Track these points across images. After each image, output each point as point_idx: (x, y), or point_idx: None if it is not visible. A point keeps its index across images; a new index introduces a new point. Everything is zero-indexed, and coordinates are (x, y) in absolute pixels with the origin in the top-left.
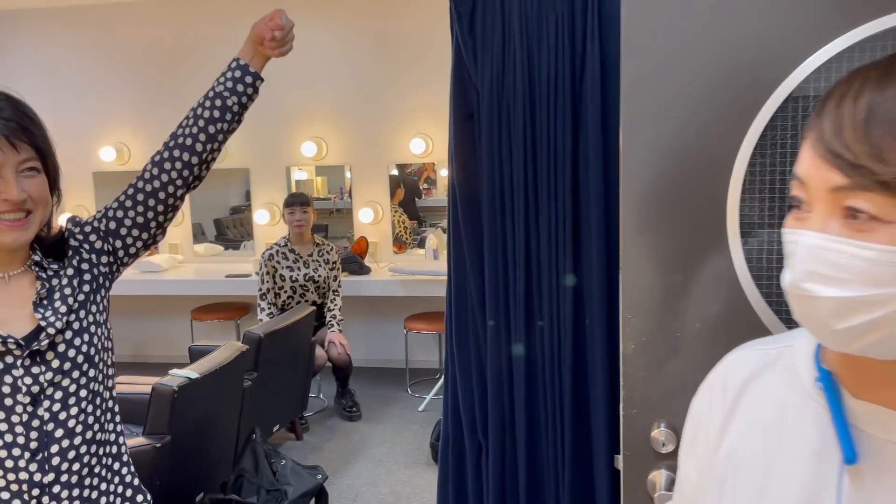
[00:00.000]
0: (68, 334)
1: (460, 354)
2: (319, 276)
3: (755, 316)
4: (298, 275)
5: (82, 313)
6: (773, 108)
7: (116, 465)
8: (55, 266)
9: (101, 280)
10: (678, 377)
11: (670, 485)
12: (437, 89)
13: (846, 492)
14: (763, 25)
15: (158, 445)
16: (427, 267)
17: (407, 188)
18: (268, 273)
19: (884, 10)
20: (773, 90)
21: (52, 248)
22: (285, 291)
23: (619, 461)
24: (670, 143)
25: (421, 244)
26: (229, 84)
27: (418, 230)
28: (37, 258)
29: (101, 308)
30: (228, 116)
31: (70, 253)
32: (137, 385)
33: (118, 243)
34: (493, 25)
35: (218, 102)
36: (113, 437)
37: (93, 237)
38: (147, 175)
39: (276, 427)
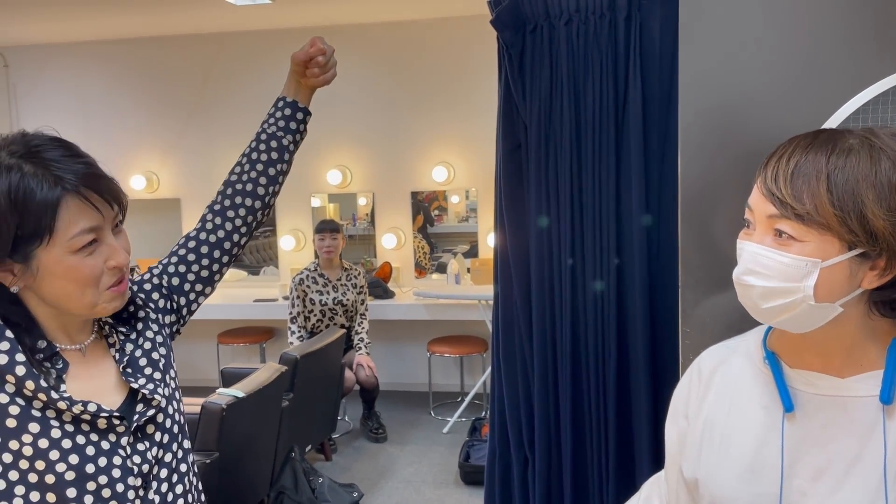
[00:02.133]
0: (163, 402)
1: (507, 373)
2: (348, 299)
3: None
4: (328, 298)
5: (167, 378)
6: None
7: None
8: (123, 329)
9: (168, 341)
10: None
11: None
12: (459, 118)
13: (786, 432)
14: (810, 65)
15: (208, 461)
16: (450, 291)
17: (425, 215)
18: (298, 297)
19: None
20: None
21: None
22: (315, 315)
23: None
24: (725, 170)
25: (438, 269)
26: (281, 123)
27: (434, 255)
28: (106, 322)
29: (175, 372)
30: (286, 156)
31: (139, 313)
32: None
33: (182, 300)
34: (541, 65)
35: (273, 143)
36: None
37: (155, 295)
38: (209, 226)
39: (308, 448)
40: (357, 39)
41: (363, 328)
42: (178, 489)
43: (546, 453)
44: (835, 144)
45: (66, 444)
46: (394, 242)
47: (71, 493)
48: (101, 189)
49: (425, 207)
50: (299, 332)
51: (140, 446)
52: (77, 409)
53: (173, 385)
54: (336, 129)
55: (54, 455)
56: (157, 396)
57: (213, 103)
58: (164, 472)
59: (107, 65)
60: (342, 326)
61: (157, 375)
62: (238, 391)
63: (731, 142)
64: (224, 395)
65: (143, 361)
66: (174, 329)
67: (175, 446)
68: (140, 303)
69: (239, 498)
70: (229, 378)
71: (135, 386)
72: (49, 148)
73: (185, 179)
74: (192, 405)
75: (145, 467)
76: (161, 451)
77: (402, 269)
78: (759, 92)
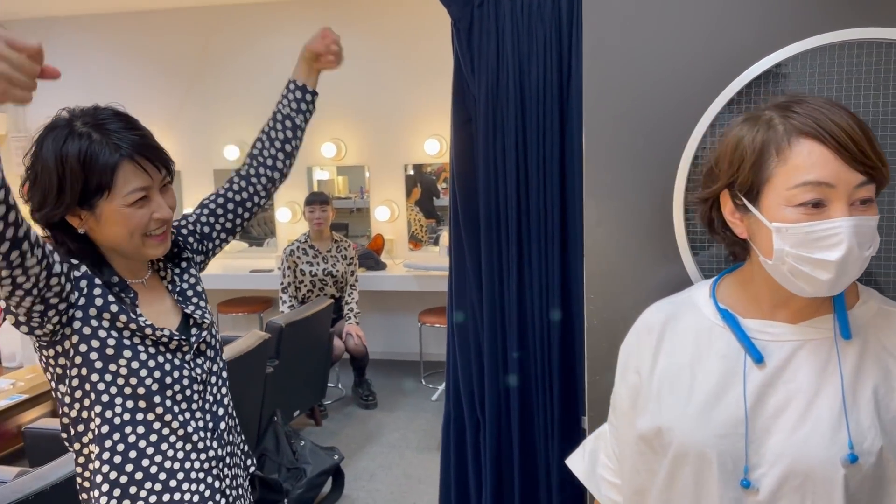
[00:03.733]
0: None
1: (460, 339)
2: (337, 270)
3: None
4: (318, 269)
5: (207, 306)
6: (713, 114)
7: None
8: (170, 265)
9: (200, 277)
10: None
11: None
12: (449, 92)
13: (748, 376)
14: (706, 40)
15: None
16: (440, 263)
17: (424, 187)
18: (289, 268)
19: (814, 30)
20: (713, 98)
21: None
22: (305, 285)
23: (585, 422)
24: (626, 144)
25: (437, 242)
26: (294, 105)
27: (435, 228)
28: (160, 260)
29: (208, 302)
30: (299, 133)
31: (183, 254)
32: None
33: (210, 245)
34: (489, 40)
35: (288, 123)
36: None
37: (190, 239)
38: (236, 187)
39: (297, 413)
40: (349, 13)
41: (353, 298)
42: (223, 390)
43: (496, 415)
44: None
45: (151, 363)
46: (387, 215)
47: (157, 399)
48: (151, 156)
49: (433, 180)
50: (290, 301)
51: (199, 360)
52: (158, 333)
53: (210, 312)
54: (331, 103)
55: (143, 372)
56: (206, 319)
57: (212, 77)
58: (213, 378)
59: (108, 38)
60: (332, 297)
61: (202, 304)
62: None
63: (635, 112)
64: None
65: (189, 293)
66: (202, 267)
67: (219, 359)
68: (182, 245)
69: None
70: (223, 345)
71: (187, 311)
72: (112, 121)
73: (185, 152)
74: None
75: (203, 376)
76: (212, 363)
77: (396, 242)
78: (663, 63)
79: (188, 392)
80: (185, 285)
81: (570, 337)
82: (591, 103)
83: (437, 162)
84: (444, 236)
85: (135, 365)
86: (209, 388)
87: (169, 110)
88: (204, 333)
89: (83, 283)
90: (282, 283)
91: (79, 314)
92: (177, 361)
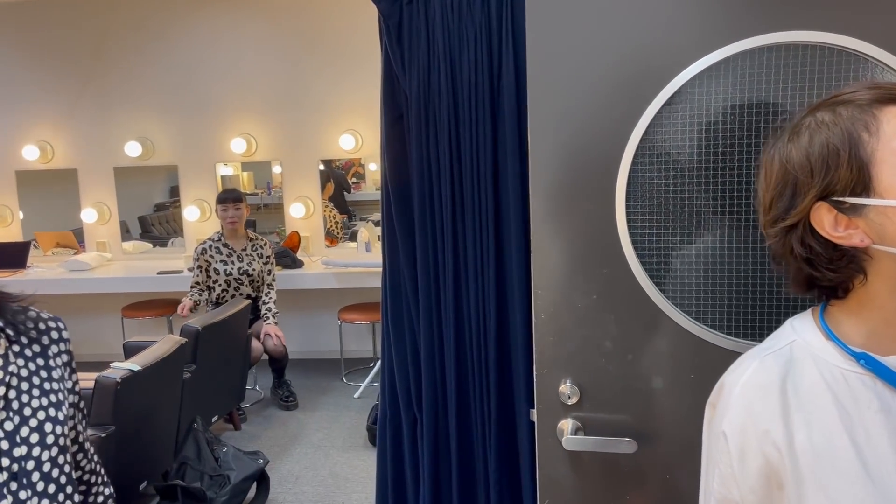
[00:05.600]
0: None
1: (396, 337)
2: (254, 269)
3: (639, 287)
4: (233, 269)
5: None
6: (653, 114)
7: None
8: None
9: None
10: (580, 340)
11: (576, 430)
12: (365, 86)
13: None
14: (645, 41)
15: (104, 435)
16: (359, 259)
17: (336, 183)
18: (199, 267)
19: (751, 31)
20: (652, 98)
21: None
22: (220, 285)
23: (534, 414)
24: (569, 143)
25: (352, 238)
26: None
27: (348, 224)
28: None
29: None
30: None
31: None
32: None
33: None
34: (419, 37)
35: None
36: None
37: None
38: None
39: (215, 418)
40: (261, 3)
41: (271, 298)
42: None
43: (433, 411)
44: None
45: None
46: (302, 212)
47: None
48: None
49: (342, 175)
50: (199, 295)
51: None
52: None
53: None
54: (240, 97)
55: None
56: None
57: (109, 66)
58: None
59: (0, 28)
60: (248, 297)
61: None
62: (134, 364)
63: (578, 109)
64: (118, 369)
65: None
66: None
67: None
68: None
69: (140, 469)
70: (131, 352)
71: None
72: None
73: (82, 149)
74: (88, 380)
75: None
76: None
77: (312, 238)
78: (604, 62)
79: None
80: (24, 371)
81: (505, 332)
82: (535, 103)
83: (352, 157)
84: (363, 231)
85: None
86: None
87: (63, 106)
88: (39, 452)
89: None
90: (192, 284)
91: None
92: None
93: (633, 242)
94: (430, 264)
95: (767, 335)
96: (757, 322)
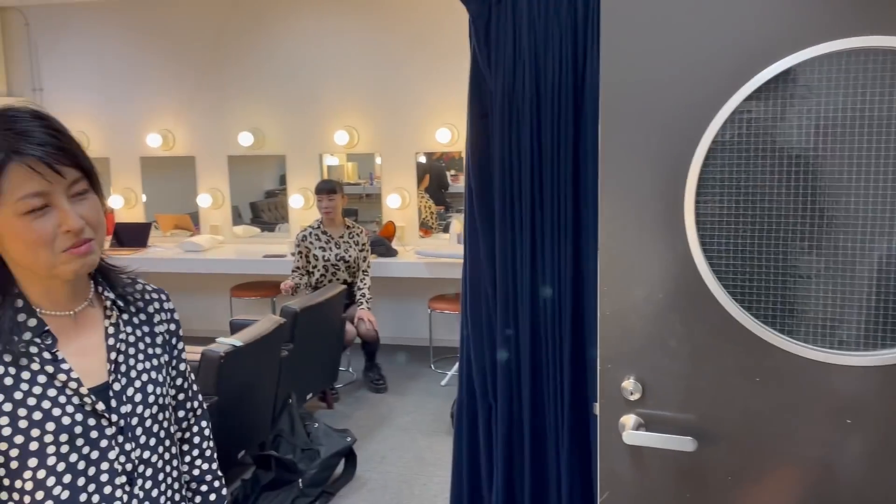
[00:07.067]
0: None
1: (474, 327)
2: (350, 256)
3: (705, 288)
4: (330, 255)
5: (163, 385)
6: (722, 120)
7: None
8: (126, 309)
9: (172, 359)
10: (644, 338)
11: (637, 426)
12: (462, 82)
13: None
14: (718, 42)
15: (207, 405)
16: (450, 250)
17: (434, 175)
18: (300, 253)
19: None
20: (722, 104)
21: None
22: (318, 270)
23: (597, 407)
24: (640, 143)
25: (446, 229)
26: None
27: (444, 215)
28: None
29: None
30: None
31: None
32: (186, 354)
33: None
34: (506, 37)
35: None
36: None
37: (173, 340)
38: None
39: (310, 395)
40: (365, 6)
41: (365, 284)
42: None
43: (507, 399)
44: None
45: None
46: (398, 202)
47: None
48: (52, 159)
49: (442, 168)
50: (299, 279)
51: (128, 445)
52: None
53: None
54: (344, 92)
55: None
56: (150, 394)
57: (225, 61)
58: (144, 470)
59: (124, 24)
60: (345, 282)
61: (153, 374)
62: (237, 340)
63: (650, 109)
64: (223, 344)
65: (132, 350)
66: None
67: (162, 448)
68: (152, 309)
69: (239, 439)
70: (236, 329)
71: (111, 366)
72: (21, 120)
73: (200, 137)
74: (195, 353)
75: (127, 466)
76: (143, 452)
77: (407, 228)
78: (677, 63)
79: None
80: (132, 338)
81: (581, 325)
82: (608, 103)
83: (447, 150)
84: (455, 224)
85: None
86: (136, 483)
87: (183, 96)
88: (142, 410)
89: None
90: (293, 266)
91: None
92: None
93: (702, 243)
94: (509, 258)
95: (837, 342)
96: (828, 329)
